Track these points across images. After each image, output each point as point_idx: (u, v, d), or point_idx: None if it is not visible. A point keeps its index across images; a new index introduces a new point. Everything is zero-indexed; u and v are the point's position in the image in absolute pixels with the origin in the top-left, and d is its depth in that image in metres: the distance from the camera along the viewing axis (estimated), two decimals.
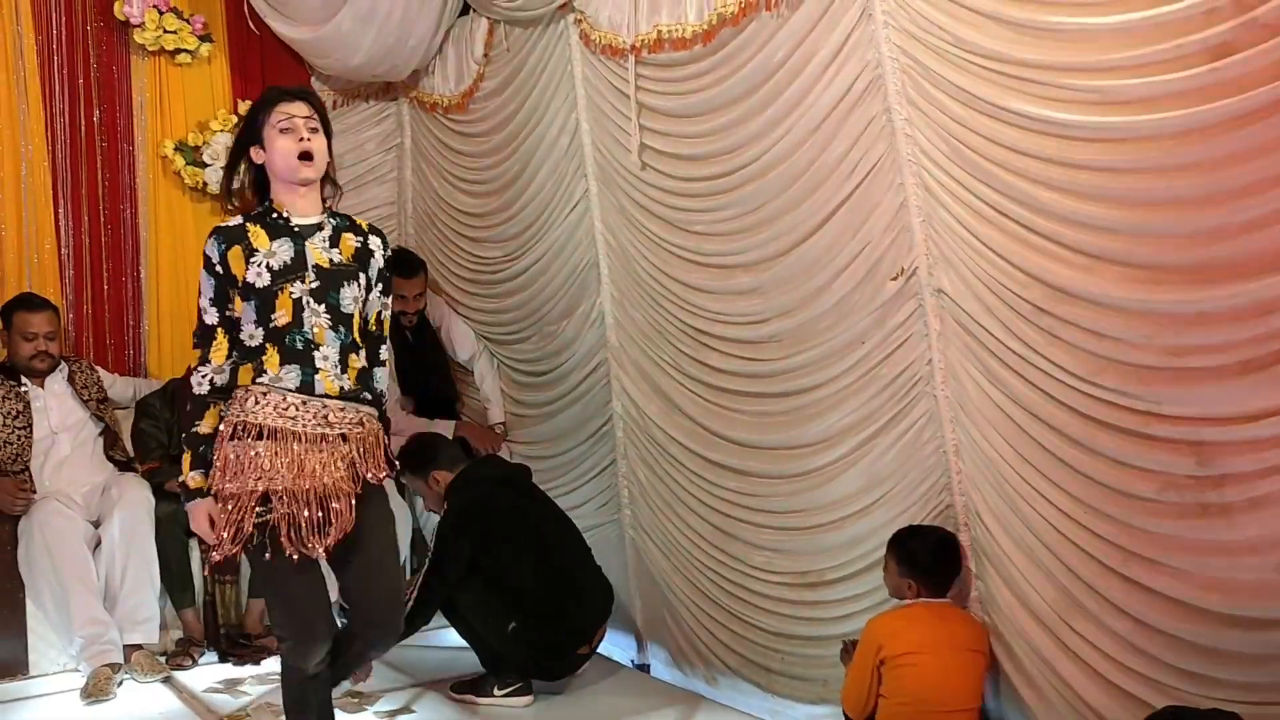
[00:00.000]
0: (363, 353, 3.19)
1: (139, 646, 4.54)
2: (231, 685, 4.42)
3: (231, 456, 3.04)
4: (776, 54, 3.73)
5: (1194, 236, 2.70)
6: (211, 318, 3.12)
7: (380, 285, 3.29)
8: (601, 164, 4.64)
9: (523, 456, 5.37)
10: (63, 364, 4.96)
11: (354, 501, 3.08)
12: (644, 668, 4.83)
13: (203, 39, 5.57)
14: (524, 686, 4.24)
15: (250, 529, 3.00)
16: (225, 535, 3.03)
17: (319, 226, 3.20)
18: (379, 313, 3.29)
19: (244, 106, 5.65)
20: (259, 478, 3.01)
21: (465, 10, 5.28)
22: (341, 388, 3.11)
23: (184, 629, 4.80)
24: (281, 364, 3.06)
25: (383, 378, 3.30)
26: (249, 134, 3.22)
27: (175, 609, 4.78)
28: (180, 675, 4.56)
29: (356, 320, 3.18)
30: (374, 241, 3.29)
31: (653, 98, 4.28)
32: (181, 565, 4.75)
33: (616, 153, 4.52)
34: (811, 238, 3.76)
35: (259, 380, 3.06)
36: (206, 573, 4.80)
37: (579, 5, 4.54)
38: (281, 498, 3.00)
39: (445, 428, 5.30)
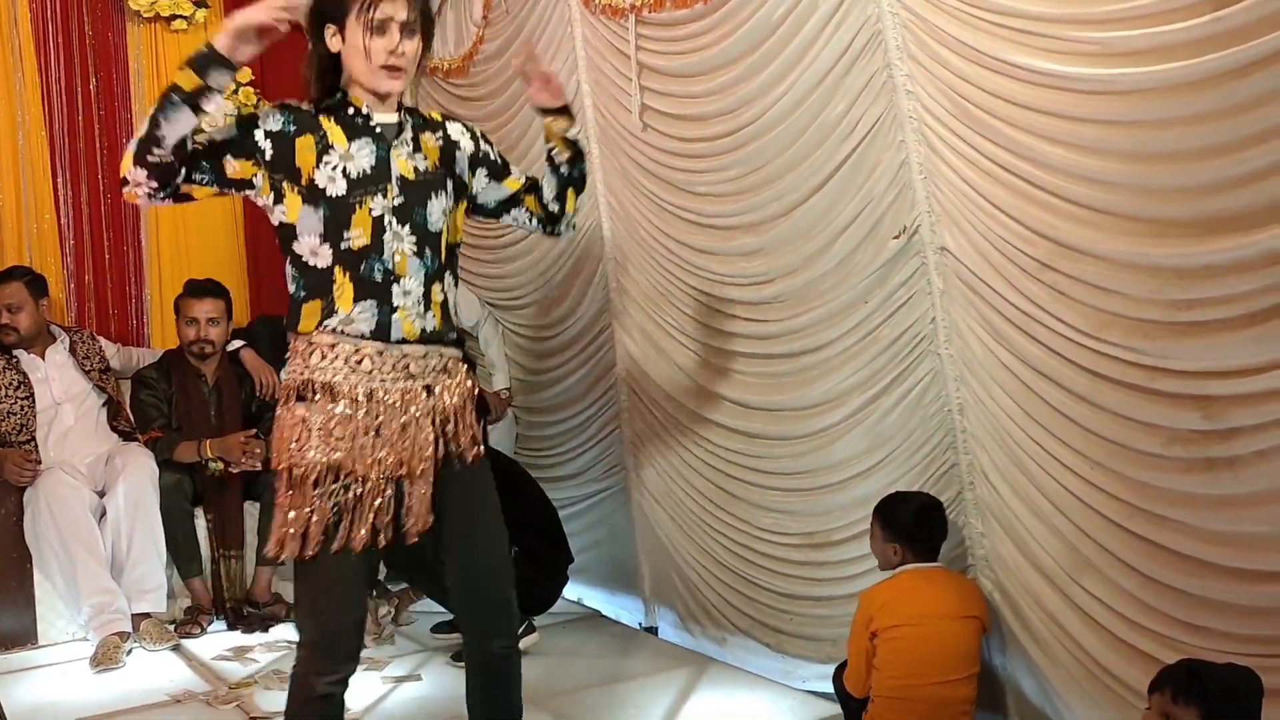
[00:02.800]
0: (448, 279, 2.76)
1: (147, 615, 4.57)
2: (240, 653, 4.44)
3: (296, 421, 2.60)
4: (777, 11, 3.69)
5: (1198, 189, 2.67)
6: (199, 138, 2.59)
7: (487, 170, 2.89)
8: (603, 126, 4.61)
9: (528, 422, 5.39)
10: (64, 335, 4.96)
11: (433, 484, 2.69)
12: (651, 630, 4.84)
13: (198, 4, 5.54)
14: (529, 624, 4.27)
15: (327, 514, 2.58)
16: (294, 531, 2.58)
17: (400, 127, 2.74)
18: (521, 179, 2.94)
19: (241, 74, 5.62)
20: (329, 449, 2.58)
21: None
22: (423, 329, 2.68)
23: (192, 597, 4.82)
24: (355, 299, 2.62)
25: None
26: (329, 8, 2.66)
27: (182, 578, 4.80)
28: (189, 643, 4.59)
29: (444, 238, 2.74)
30: (454, 128, 2.87)
31: (653, 58, 4.24)
32: (187, 535, 4.76)
33: (618, 114, 4.48)
34: (813, 197, 3.73)
35: (326, 323, 2.62)
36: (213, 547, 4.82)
37: None
38: (353, 475, 2.59)
39: None
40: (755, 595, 4.25)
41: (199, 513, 4.82)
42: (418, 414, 2.66)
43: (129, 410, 5.01)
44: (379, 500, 2.61)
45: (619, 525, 4.97)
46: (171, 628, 4.63)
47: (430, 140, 2.79)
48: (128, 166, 2.54)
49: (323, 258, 2.63)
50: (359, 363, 2.62)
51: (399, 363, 2.65)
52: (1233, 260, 2.61)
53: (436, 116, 2.88)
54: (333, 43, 2.68)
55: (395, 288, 2.65)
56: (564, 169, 2.98)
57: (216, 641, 4.61)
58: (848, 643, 3.46)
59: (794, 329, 3.90)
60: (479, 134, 2.94)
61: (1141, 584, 2.97)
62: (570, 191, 3.01)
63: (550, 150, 3.00)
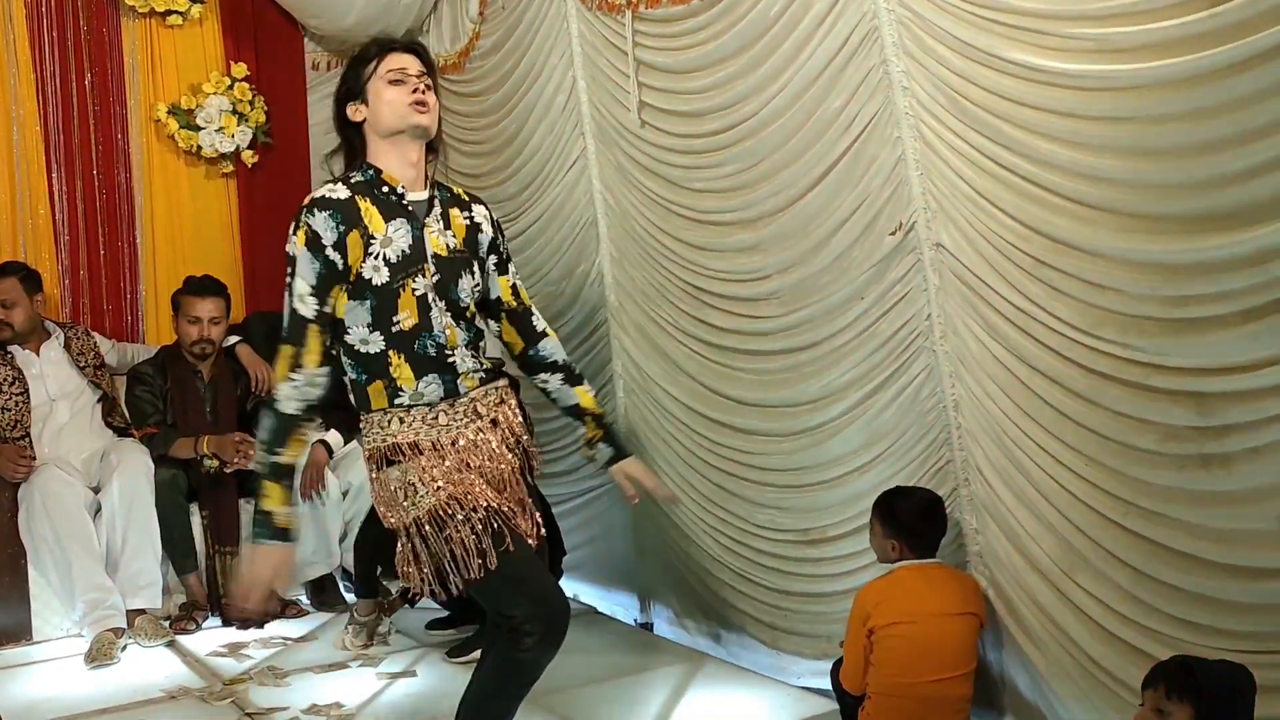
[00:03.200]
0: (482, 338, 2.90)
1: (142, 611, 4.56)
2: (235, 649, 4.44)
3: (394, 480, 2.72)
4: (773, 7, 3.68)
5: (1193, 185, 2.67)
6: (309, 309, 2.65)
7: (496, 259, 2.97)
8: (599, 122, 4.60)
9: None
10: (58, 330, 4.95)
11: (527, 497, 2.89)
12: (647, 626, 4.84)
13: (193, 0, 5.52)
14: None
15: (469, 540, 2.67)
16: (427, 572, 2.71)
17: (430, 204, 2.83)
18: (512, 286, 3.00)
19: (236, 69, 5.62)
20: (439, 488, 2.70)
21: None
22: (480, 378, 2.84)
23: (187, 593, 4.81)
24: (417, 376, 2.74)
25: (554, 348, 3.05)
26: (348, 89, 2.81)
27: (177, 574, 4.79)
28: (184, 639, 4.58)
29: (470, 312, 2.86)
30: (479, 212, 2.95)
31: (650, 54, 4.23)
32: (183, 531, 4.75)
33: (614, 110, 4.48)
34: (809, 193, 3.73)
35: (397, 400, 2.74)
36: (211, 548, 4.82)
37: None
38: (469, 504, 2.70)
39: None
40: (750, 591, 4.25)
41: (195, 509, 4.81)
42: (495, 445, 2.82)
43: (124, 406, 5.00)
44: (498, 504, 2.75)
45: (614, 522, 4.96)
46: (166, 624, 4.62)
47: (458, 217, 2.89)
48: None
49: (374, 344, 2.73)
50: (435, 419, 2.76)
51: (467, 409, 2.80)
52: (1228, 257, 2.61)
53: (464, 195, 2.97)
54: (355, 113, 2.80)
55: (452, 358, 2.78)
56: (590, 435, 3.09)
57: (211, 637, 4.61)
58: (844, 640, 3.46)
59: (790, 325, 3.90)
60: (498, 223, 3.04)
61: (1136, 580, 2.97)
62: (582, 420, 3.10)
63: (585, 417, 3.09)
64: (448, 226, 2.83)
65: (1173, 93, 2.65)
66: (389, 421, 2.75)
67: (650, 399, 4.61)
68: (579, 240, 4.84)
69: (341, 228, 2.68)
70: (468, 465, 2.75)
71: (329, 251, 2.67)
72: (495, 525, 2.70)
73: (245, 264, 5.73)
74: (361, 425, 2.84)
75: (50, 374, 4.84)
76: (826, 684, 3.64)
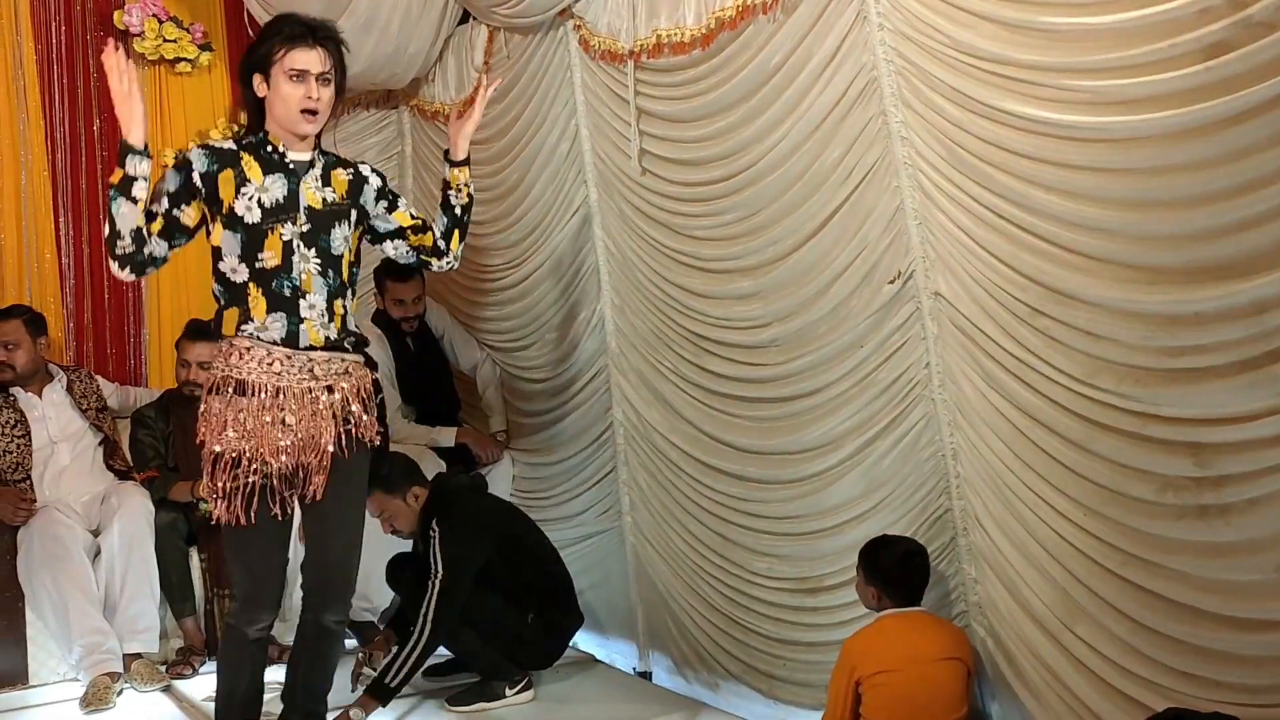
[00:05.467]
0: (349, 296, 3.23)
1: (139, 655, 4.54)
2: None
3: (216, 411, 3.08)
4: (774, 58, 3.73)
5: (1189, 236, 2.69)
6: (160, 207, 3.06)
7: (386, 202, 3.34)
8: (601, 170, 4.64)
9: (524, 464, 5.38)
10: (61, 373, 4.96)
11: (329, 467, 3.13)
12: (646, 675, 4.81)
13: (203, 48, 5.60)
14: (528, 681, 4.27)
15: (244, 489, 3.06)
16: (221, 502, 3.09)
17: (311, 164, 3.20)
18: (409, 213, 3.39)
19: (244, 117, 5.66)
20: (242, 436, 3.05)
21: (465, 18, 5.28)
22: (327, 337, 3.15)
23: (184, 638, 4.78)
24: (268, 311, 3.08)
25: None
26: (257, 61, 3.14)
27: (175, 618, 4.77)
28: (180, 684, 4.55)
29: (346, 260, 3.21)
30: (364, 168, 3.34)
31: (652, 103, 4.28)
32: (181, 574, 4.74)
33: (616, 158, 4.51)
34: (809, 242, 3.75)
35: (243, 329, 3.08)
36: (205, 583, 4.80)
37: (578, 11, 4.54)
38: (261, 458, 3.05)
39: (446, 435, 5.30)
40: (748, 640, 4.23)
41: (193, 553, 4.80)
42: (319, 409, 3.11)
43: (127, 450, 5.00)
44: (281, 480, 3.10)
45: (614, 569, 4.95)
46: (163, 668, 4.60)
47: (341, 175, 3.25)
48: (109, 265, 3.04)
49: (240, 274, 3.10)
50: (270, 364, 3.08)
51: (304, 366, 3.11)
52: (1223, 308, 2.62)
53: (350, 159, 3.36)
54: (260, 89, 3.13)
55: (302, 302, 3.11)
56: (457, 210, 3.47)
57: (208, 683, 4.55)
58: (828, 689, 3.45)
59: (789, 373, 3.91)
60: (384, 175, 3.43)
61: (1133, 630, 2.96)
62: (457, 232, 3.49)
63: (448, 194, 3.47)
64: (327, 184, 3.20)
65: (1169, 144, 2.68)
66: (232, 353, 3.10)
67: (650, 445, 4.61)
68: (581, 287, 4.86)
69: (215, 166, 3.09)
70: (284, 422, 3.07)
71: (195, 176, 3.08)
72: (265, 494, 3.08)
73: None
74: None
75: (52, 416, 4.85)
76: None
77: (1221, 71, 2.52)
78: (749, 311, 4.02)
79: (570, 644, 4.65)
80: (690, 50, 4.02)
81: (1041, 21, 2.92)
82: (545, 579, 4.44)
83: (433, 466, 5.06)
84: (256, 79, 3.13)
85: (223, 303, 3.14)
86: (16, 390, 4.82)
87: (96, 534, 4.66)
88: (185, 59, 5.55)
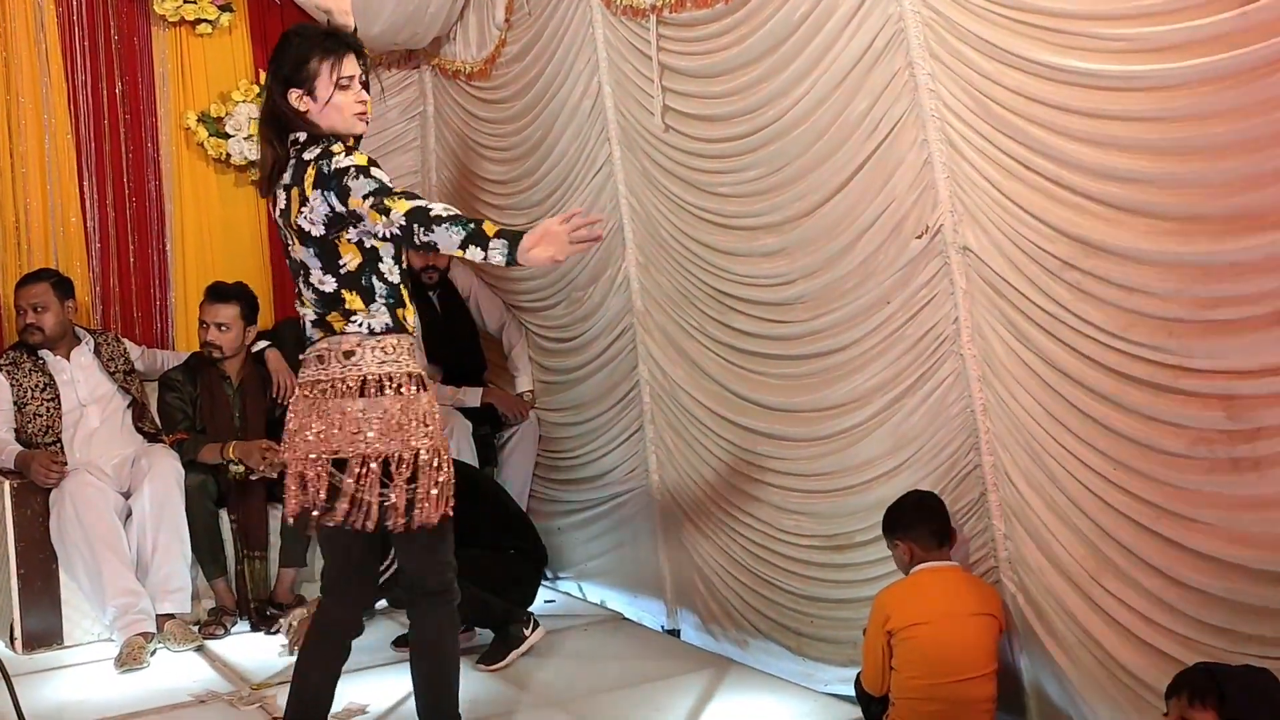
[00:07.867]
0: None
1: (171, 616, 4.58)
2: (264, 653, 4.45)
3: (425, 410, 3.11)
4: (798, 10, 3.68)
5: (1224, 186, 2.65)
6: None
7: None
8: (624, 127, 4.60)
9: (550, 424, 5.39)
10: (89, 336, 4.99)
11: None
12: (674, 632, 4.82)
13: (223, 9, 5.56)
14: (534, 619, 4.31)
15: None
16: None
17: None
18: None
19: (265, 76, 5.64)
20: (427, 433, 3.09)
21: None
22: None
23: (215, 598, 4.83)
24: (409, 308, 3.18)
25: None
26: (289, 76, 3.08)
27: (206, 579, 4.81)
28: (213, 644, 4.60)
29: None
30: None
31: (674, 58, 4.23)
32: (211, 536, 4.77)
33: (639, 115, 4.48)
34: (835, 197, 3.72)
35: (406, 326, 3.15)
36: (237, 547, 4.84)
37: None
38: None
39: (473, 395, 5.31)
40: (776, 598, 4.24)
41: (224, 514, 4.84)
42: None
43: (155, 412, 5.03)
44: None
45: (641, 528, 4.95)
46: (195, 628, 4.64)
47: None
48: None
49: (395, 274, 3.10)
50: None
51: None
52: (1260, 258, 2.58)
53: None
54: (301, 103, 3.07)
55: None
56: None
57: (240, 642, 4.63)
58: (864, 643, 3.45)
59: (816, 329, 3.88)
60: None
61: (1164, 585, 2.95)
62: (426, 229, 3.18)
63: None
64: None
65: (1202, 92, 2.63)
66: (402, 348, 3.14)
67: (676, 404, 4.60)
68: (605, 245, 4.83)
69: None
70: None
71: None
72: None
73: (274, 270, 5.75)
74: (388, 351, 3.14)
75: (81, 379, 4.87)
76: (852, 691, 3.63)
77: (1256, 17, 2.47)
78: (774, 268, 3.99)
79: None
80: (714, 4, 3.97)
81: None
82: (502, 510, 4.58)
83: (460, 427, 5.07)
84: (294, 94, 3.07)
85: (392, 301, 3.11)
86: (45, 353, 4.84)
87: (127, 496, 4.70)
88: (206, 20, 5.51)
